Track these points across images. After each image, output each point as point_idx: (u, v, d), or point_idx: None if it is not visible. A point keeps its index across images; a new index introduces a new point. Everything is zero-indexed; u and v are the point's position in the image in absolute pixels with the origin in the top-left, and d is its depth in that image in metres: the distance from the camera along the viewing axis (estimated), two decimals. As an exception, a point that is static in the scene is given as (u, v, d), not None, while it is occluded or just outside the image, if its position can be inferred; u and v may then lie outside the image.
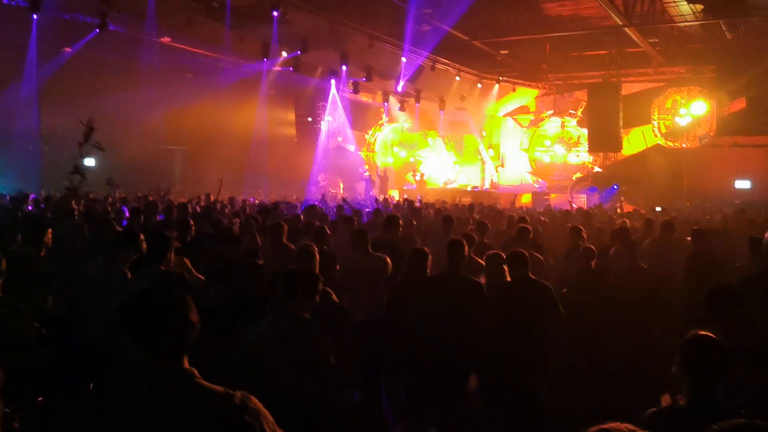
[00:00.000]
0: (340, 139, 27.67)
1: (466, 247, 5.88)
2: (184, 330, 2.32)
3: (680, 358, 2.81)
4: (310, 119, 29.07)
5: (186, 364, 2.32)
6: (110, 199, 13.90)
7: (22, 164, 19.16)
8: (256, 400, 2.29)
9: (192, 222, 7.71)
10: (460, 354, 5.52)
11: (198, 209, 11.87)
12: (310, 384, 3.59)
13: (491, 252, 6.23)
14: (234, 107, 24.20)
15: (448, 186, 27.90)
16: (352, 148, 28.47)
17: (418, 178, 27.84)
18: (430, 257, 5.95)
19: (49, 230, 5.61)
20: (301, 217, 10.15)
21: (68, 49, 19.82)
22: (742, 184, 23.31)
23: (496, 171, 29.23)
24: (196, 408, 2.19)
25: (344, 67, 19.74)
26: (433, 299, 5.57)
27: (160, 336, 2.28)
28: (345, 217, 9.73)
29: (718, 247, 7.95)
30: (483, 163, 29.26)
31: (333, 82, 23.01)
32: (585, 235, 8.27)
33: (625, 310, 6.22)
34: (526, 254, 5.73)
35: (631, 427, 1.85)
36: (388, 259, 6.31)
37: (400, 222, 8.01)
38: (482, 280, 5.89)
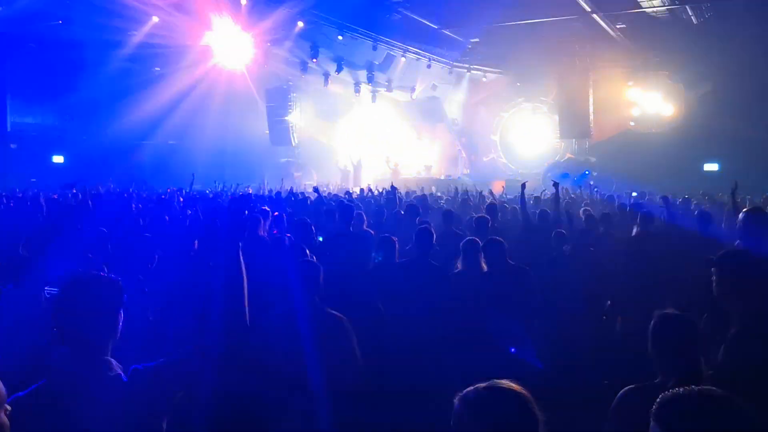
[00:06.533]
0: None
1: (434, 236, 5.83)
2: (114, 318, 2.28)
3: (652, 336, 2.88)
4: (281, 112, 28.81)
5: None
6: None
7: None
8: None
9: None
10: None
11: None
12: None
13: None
14: (206, 102, 23.93)
15: (423, 174, 27.85)
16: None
17: (392, 166, 27.68)
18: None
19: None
20: None
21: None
22: (711, 166, 23.53)
23: (469, 159, 29.26)
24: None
25: (314, 60, 19.68)
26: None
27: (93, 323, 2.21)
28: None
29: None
30: (458, 151, 29.29)
31: (303, 73, 22.86)
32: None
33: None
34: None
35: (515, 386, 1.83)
36: None
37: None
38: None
